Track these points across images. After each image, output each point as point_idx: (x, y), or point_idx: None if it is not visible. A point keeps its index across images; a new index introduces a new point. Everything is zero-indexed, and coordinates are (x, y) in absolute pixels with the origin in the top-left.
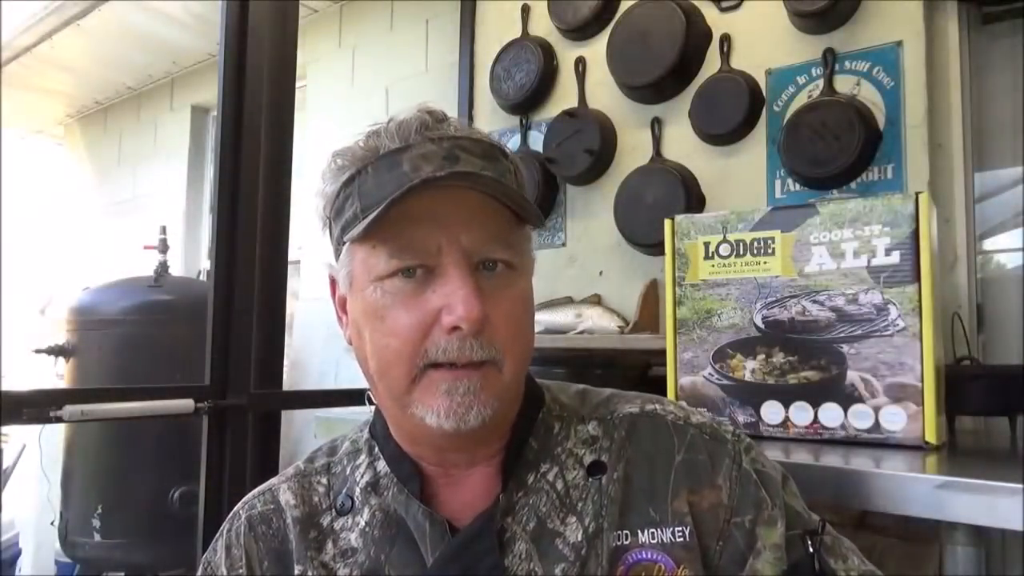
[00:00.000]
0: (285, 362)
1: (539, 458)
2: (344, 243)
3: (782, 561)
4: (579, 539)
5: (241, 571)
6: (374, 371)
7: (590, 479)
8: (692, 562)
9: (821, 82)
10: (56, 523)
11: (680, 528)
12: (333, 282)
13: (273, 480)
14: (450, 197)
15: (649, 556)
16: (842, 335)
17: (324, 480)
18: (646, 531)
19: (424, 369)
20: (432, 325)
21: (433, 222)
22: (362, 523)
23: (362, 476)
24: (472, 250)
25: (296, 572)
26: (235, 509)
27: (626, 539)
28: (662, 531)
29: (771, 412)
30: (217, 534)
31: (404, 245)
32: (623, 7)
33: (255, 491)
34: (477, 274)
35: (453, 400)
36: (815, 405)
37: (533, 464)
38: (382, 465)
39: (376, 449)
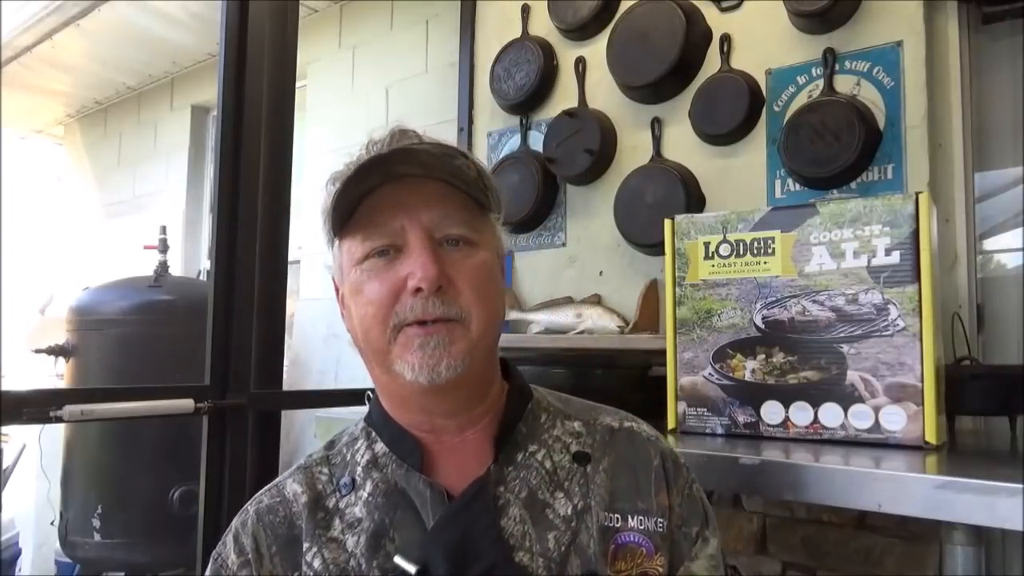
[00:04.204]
0: (285, 362)
1: (527, 441)
2: (335, 241)
3: (717, 569)
4: (568, 513)
5: (249, 556)
6: (361, 339)
7: (575, 465)
8: (666, 551)
9: (821, 82)
10: (56, 523)
11: (662, 520)
12: (336, 282)
13: (277, 479)
14: (411, 187)
15: (635, 540)
16: (842, 335)
17: (325, 470)
18: (635, 517)
19: (399, 329)
20: (400, 291)
21: (397, 207)
22: (365, 495)
23: (362, 457)
24: (432, 227)
25: (305, 547)
26: (244, 506)
27: (617, 522)
28: (648, 519)
29: (771, 412)
30: (226, 530)
31: (374, 229)
32: (623, 7)
33: (262, 490)
34: (440, 248)
35: (425, 353)
36: (815, 405)
37: (521, 445)
38: (380, 446)
39: (373, 434)
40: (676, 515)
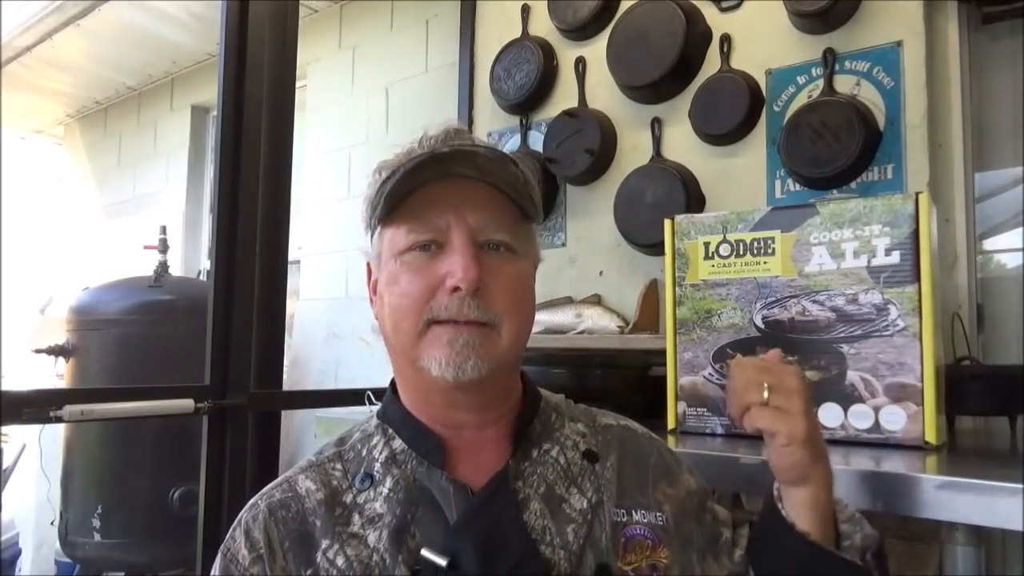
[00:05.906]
0: (285, 362)
1: (542, 438)
2: (376, 228)
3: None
4: (584, 507)
5: (261, 551)
6: (390, 330)
7: (586, 462)
8: (669, 542)
9: (821, 82)
10: (56, 523)
11: (660, 514)
12: (369, 269)
13: (287, 473)
14: (462, 187)
15: (641, 533)
16: (842, 335)
17: (339, 466)
18: (638, 512)
19: (429, 324)
20: (437, 288)
21: (446, 204)
22: (385, 491)
23: (380, 453)
24: (477, 230)
25: (323, 545)
26: (253, 500)
27: (624, 517)
28: (650, 513)
29: None
30: (234, 524)
31: (420, 222)
32: (623, 7)
33: (271, 484)
34: (481, 251)
35: (453, 350)
36: (815, 405)
37: (536, 442)
38: (398, 443)
39: (390, 431)
40: (700, 492)
